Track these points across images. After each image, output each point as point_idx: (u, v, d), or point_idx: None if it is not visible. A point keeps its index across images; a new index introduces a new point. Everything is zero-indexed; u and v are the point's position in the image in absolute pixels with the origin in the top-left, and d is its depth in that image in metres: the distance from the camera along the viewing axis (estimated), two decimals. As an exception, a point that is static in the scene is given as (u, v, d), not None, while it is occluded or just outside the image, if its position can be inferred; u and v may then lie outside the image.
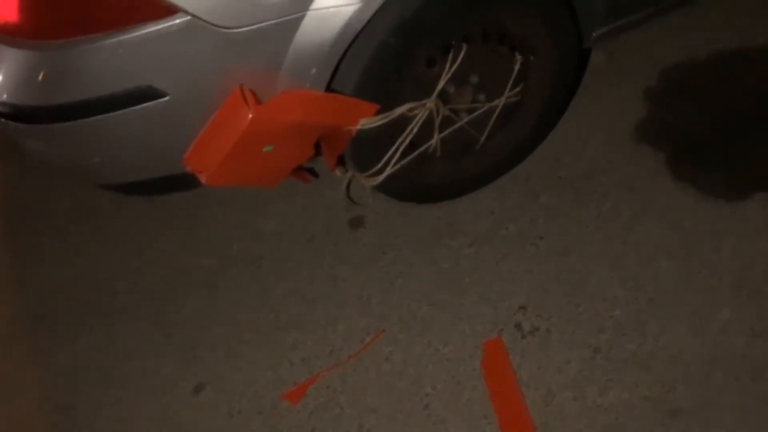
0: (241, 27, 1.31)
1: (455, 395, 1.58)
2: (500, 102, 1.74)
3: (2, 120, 1.42)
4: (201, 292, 1.89)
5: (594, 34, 1.79)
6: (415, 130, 1.65)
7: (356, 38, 1.41)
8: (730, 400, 1.47)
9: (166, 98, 1.37)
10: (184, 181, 1.56)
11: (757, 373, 1.48)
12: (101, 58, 1.30)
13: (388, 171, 1.70)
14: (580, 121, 2.04)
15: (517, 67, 1.69)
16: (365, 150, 1.66)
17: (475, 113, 1.74)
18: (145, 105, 1.37)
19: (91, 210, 2.15)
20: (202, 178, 1.50)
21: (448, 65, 1.58)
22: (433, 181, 1.86)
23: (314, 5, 1.33)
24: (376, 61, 1.47)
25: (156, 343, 1.79)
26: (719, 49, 2.15)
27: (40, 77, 1.33)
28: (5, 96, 1.36)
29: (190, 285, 1.91)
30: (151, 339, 1.80)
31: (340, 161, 1.75)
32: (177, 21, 1.27)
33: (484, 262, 1.79)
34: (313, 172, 1.94)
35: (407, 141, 1.66)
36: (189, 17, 1.27)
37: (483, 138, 1.81)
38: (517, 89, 1.74)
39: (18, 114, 1.39)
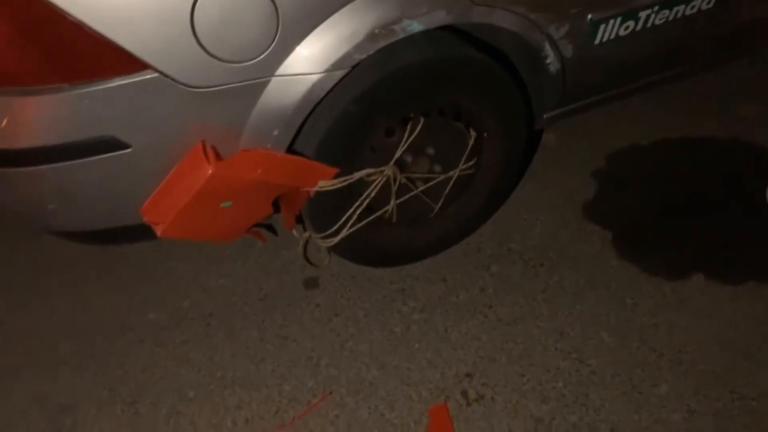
0: (207, 87, 1.36)
1: (398, 462, 1.57)
2: (454, 174, 1.81)
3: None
4: (147, 346, 1.85)
5: (545, 116, 1.91)
6: (372, 194, 1.70)
7: (319, 104, 1.48)
8: (667, 475, 1.50)
9: (129, 150, 1.40)
10: (140, 233, 1.57)
11: (692, 449, 1.52)
12: (67, 107, 1.33)
13: (344, 233, 1.73)
14: (530, 197, 2.13)
15: (471, 142, 1.77)
16: (322, 211, 1.70)
17: (431, 183, 1.81)
18: (106, 155, 1.40)
19: (40, 261, 2.12)
20: (158, 231, 1.51)
21: (406, 136, 1.66)
22: (387, 246, 1.90)
23: (279, 71, 1.40)
24: (337, 127, 1.54)
25: (97, 397, 1.74)
26: (662, 139, 2.31)
27: (3, 121, 1.34)
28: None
29: (137, 340, 1.88)
30: (92, 393, 1.75)
31: (298, 221, 1.78)
32: (145, 77, 1.31)
33: (433, 329, 1.81)
34: (271, 229, 1.97)
35: (364, 205, 1.71)
36: (157, 74, 1.31)
37: (437, 207, 1.87)
38: (471, 163, 1.83)
39: (-24, 156, 1.39)
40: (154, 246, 2.11)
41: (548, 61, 1.70)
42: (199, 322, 1.90)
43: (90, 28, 1.24)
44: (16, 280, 2.08)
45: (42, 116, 1.34)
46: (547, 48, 1.67)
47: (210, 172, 1.40)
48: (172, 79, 1.33)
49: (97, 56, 1.28)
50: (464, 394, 1.65)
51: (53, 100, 1.31)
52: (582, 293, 1.85)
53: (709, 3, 1.82)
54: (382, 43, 1.45)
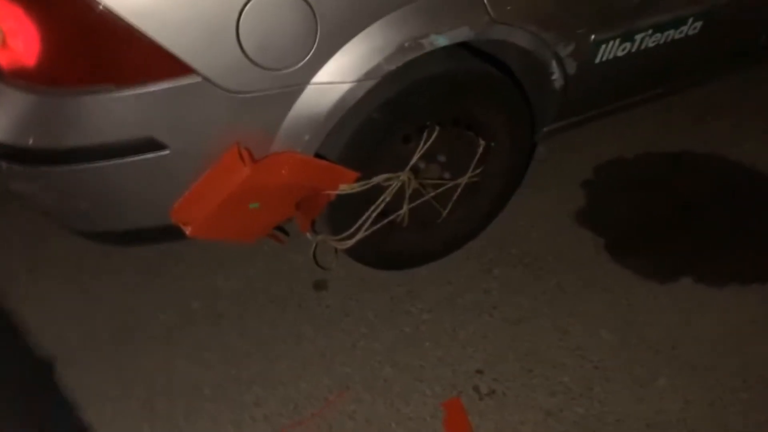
0: (247, 92, 1.42)
1: (416, 454, 1.64)
2: (463, 180, 1.91)
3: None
4: (159, 346, 1.88)
5: (544, 129, 2.03)
6: (388, 199, 1.78)
7: (346, 111, 1.56)
8: (668, 462, 1.61)
9: (166, 151, 1.44)
10: (167, 233, 1.61)
11: (690, 437, 1.64)
12: (109, 108, 1.38)
13: (359, 236, 1.80)
14: (526, 205, 2.25)
15: (479, 150, 1.87)
16: (340, 214, 1.77)
17: (441, 189, 1.90)
18: (143, 156, 1.44)
19: (50, 259, 2.13)
20: (187, 230, 1.56)
21: (422, 143, 1.75)
22: (397, 249, 1.98)
23: (315, 79, 1.47)
24: (361, 133, 1.62)
25: (112, 396, 1.75)
26: (644, 151, 2.46)
27: (47, 121, 1.38)
28: (3, 136, 1.40)
29: (148, 339, 1.90)
30: (106, 392, 1.76)
31: (313, 224, 1.85)
32: (190, 81, 1.37)
33: (442, 329, 1.90)
34: (284, 231, 2.03)
35: (380, 208, 1.79)
36: (201, 79, 1.37)
37: (445, 212, 1.96)
38: (478, 171, 1.93)
39: (15, 155, 1.42)
40: (159, 248, 2.14)
41: (554, 77, 1.82)
42: (210, 322, 1.94)
43: (140, 32, 1.29)
44: (20, 281, 2.07)
45: (86, 117, 1.38)
46: (554, 65, 1.79)
47: (247, 173, 1.45)
48: (215, 84, 1.39)
49: (146, 60, 1.33)
50: (476, 389, 1.74)
51: (99, 101, 1.36)
52: (580, 294, 1.96)
53: (694, 29, 1.98)
54: (409, 56, 1.54)
